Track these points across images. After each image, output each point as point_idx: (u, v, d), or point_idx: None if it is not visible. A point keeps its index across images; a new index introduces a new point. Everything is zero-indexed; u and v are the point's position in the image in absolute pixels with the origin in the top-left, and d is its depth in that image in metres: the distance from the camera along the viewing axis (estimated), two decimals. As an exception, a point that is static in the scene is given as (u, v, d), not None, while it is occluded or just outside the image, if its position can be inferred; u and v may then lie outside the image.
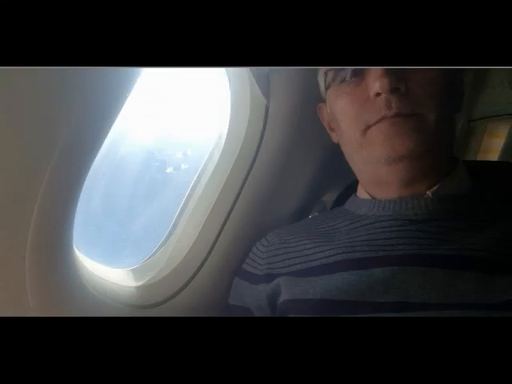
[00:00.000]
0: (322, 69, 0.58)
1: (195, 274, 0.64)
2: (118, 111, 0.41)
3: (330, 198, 0.92)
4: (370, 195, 0.58)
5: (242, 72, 0.63)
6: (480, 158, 2.18)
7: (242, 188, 0.67)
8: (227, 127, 0.68)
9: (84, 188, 0.43)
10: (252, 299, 0.60)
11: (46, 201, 0.38)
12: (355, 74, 0.53)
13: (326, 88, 0.58)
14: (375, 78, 0.49)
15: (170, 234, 0.68)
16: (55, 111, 0.36)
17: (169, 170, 0.72)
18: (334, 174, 0.84)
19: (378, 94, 0.50)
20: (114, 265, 0.61)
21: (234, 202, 0.67)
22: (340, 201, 0.77)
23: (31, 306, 0.41)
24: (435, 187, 0.53)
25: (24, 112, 0.35)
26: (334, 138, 0.62)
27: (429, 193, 0.53)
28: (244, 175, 0.67)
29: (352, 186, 0.72)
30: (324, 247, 0.55)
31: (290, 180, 0.72)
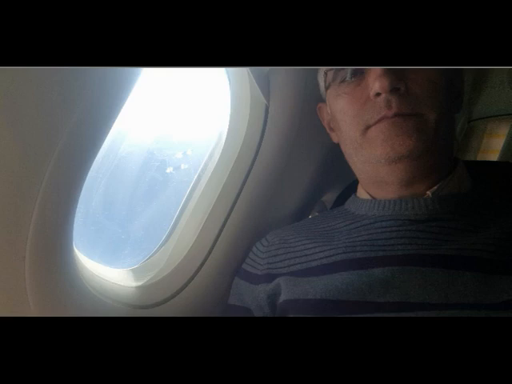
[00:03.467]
0: (322, 69, 0.58)
1: (195, 273, 0.64)
2: (118, 111, 0.41)
3: (329, 197, 0.92)
4: (370, 195, 0.58)
5: (242, 72, 0.63)
6: (480, 158, 2.19)
7: (241, 188, 0.67)
8: (227, 127, 0.68)
9: (84, 188, 0.42)
10: (252, 299, 0.60)
11: (46, 201, 0.38)
12: (355, 73, 0.53)
13: (326, 88, 0.58)
14: (375, 78, 0.49)
15: (170, 233, 0.68)
16: (55, 111, 0.36)
17: (169, 169, 0.72)
18: (334, 173, 0.84)
19: (377, 94, 0.50)
20: (114, 265, 0.61)
21: (234, 202, 0.66)
22: (340, 201, 0.77)
23: (31, 306, 0.41)
24: (435, 187, 0.53)
25: (24, 112, 0.35)
26: (334, 138, 0.62)
27: (429, 193, 0.53)
28: (244, 175, 0.67)
29: (352, 185, 0.72)
30: (324, 247, 0.55)
31: (289, 180, 0.72)
